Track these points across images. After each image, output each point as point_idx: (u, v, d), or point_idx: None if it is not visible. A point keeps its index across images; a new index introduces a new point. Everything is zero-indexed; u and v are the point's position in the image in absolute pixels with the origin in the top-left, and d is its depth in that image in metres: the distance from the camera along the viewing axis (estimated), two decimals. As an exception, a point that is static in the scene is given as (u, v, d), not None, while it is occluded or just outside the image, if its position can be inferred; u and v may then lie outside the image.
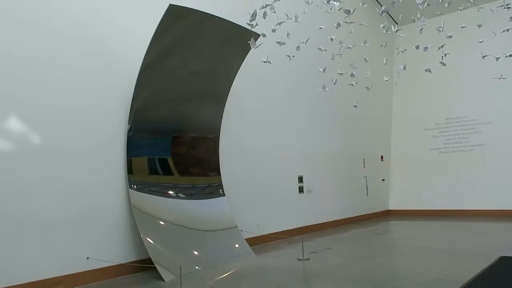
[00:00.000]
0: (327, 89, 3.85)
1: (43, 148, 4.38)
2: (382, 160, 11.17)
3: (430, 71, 3.93)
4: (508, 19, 3.54)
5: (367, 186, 10.26)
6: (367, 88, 4.34)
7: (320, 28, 3.97)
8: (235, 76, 5.99)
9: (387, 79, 4.17)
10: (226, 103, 6.21)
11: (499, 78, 4.52)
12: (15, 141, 4.17)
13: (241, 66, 6.06)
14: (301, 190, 8.05)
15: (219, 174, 6.03)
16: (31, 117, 4.31)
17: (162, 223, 5.07)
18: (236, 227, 5.91)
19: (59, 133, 4.53)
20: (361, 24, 3.99)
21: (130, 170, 5.02)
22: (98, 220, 4.78)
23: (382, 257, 5.69)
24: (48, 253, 4.30)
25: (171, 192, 5.38)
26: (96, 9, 5.00)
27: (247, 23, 3.19)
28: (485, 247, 5.81)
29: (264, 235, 6.76)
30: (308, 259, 5.40)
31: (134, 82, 4.99)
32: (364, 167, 10.30)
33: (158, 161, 5.33)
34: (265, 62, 3.55)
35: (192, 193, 5.50)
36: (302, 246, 5.51)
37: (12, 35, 4.23)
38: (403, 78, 11.26)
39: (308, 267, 5.08)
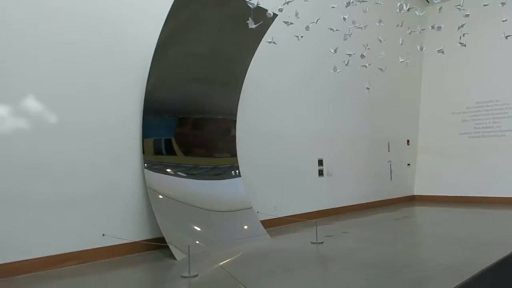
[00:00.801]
0: (338, 70, 3.75)
1: (58, 127, 4.49)
2: (408, 144, 10.89)
3: (442, 52, 3.75)
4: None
5: (391, 170, 10.05)
6: (381, 69, 4.21)
7: (333, 7, 3.85)
8: (251, 58, 5.91)
9: (402, 60, 4.02)
10: (244, 84, 6.16)
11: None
12: (31, 120, 4.29)
13: (260, 47, 5.96)
14: (320, 173, 7.97)
15: (233, 156, 6.02)
16: (47, 96, 4.42)
17: (171, 200, 5.16)
18: (251, 208, 5.93)
19: (74, 112, 4.62)
20: (376, 3, 3.84)
21: (144, 150, 5.09)
22: (114, 199, 4.90)
23: (398, 243, 5.60)
24: (65, 229, 4.45)
25: (185, 173, 5.44)
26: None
27: (248, 2, 3.12)
28: (507, 237, 5.60)
29: (281, 217, 6.76)
30: (322, 242, 5.37)
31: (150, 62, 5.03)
32: (389, 151, 10.08)
33: (167, 141, 5.36)
34: (269, 42, 3.49)
35: (194, 173, 5.52)
36: (316, 229, 5.48)
37: (25, 13, 4.31)
38: (433, 60, 10.89)
39: (320, 250, 5.05)
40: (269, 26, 5.39)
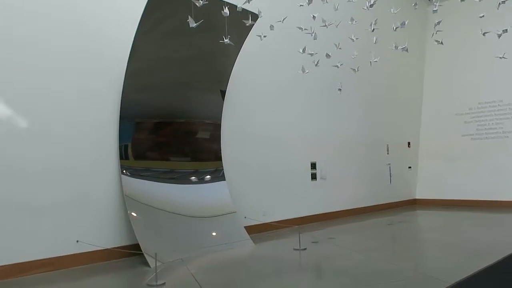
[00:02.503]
0: (307, 71, 3.60)
1: (31, 132, 4.42)
2: (409, 146, 10.63)
3: (407, 50, 3.57)
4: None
5: (390, 173, 9.81)
6: (354, 70, 4.03)
7: (301, 5, 3.70)
8: (234, 62, 5.77)
9: (375, 59, 3.83)
10: (232, 87, 6.04)
11: (501, 58, 4.05)
12: (1, 125, 4.22)
13: (249, 50, 5.80)
14: (313, 177, 7.79)
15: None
16: (19, 99, 4.36)
17: (148, 206, 5.04)
18: (235, 213, 5.79)
19: (47, 116, 4.56)
20: (349, 1, 3.67)
21: (121, 155, 5.00)
22: (90, 205, 4.81)
23: (384, 249, 5.39)
24: (37, 235, 4.38)
25: (164, 178, 5.33)
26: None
27: (194, 2, 2.99)
28: (503, 243, 5.35)
29: (267, 223, 6.60)
30: (305, 249, 5.21)
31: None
32: (388, 153, 9.84)
33: (143, 146, 5.22)
34: (222, 42, 3.34)
35: (173, 178, 5.39)
36: (299, 235, 5.32)
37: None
38: (436, 59, 10.64)
39: (301, 257, 4.89)
40: (251, 27, 5.25)
